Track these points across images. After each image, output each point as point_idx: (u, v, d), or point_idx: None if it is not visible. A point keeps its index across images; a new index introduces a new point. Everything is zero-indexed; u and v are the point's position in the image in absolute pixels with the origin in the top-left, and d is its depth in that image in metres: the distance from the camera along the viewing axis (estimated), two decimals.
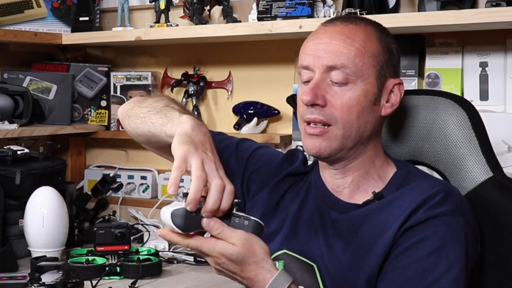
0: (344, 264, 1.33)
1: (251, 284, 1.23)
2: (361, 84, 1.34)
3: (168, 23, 2.50)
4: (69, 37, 2.68)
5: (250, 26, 2.29)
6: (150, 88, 2.68)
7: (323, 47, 1.35)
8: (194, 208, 1.18)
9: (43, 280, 1.72)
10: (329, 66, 1.33)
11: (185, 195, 1.19)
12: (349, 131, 1.34)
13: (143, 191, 2.74)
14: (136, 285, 1.96)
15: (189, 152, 1.21)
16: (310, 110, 1.34)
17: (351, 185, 1.40)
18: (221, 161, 1.25)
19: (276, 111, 2.48)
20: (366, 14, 2.08)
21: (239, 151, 1.55)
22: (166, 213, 1.20)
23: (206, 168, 1.20)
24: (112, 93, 2.73)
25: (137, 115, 1.44)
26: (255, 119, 2.48)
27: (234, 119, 2.52)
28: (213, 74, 2.63)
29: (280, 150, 2.35)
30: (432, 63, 2.18)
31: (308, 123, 1.35)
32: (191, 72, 2.62)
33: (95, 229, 2.14)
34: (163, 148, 1.45)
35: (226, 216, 1.21)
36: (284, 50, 2.44)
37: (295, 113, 2.36)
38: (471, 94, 2.12)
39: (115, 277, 2.02)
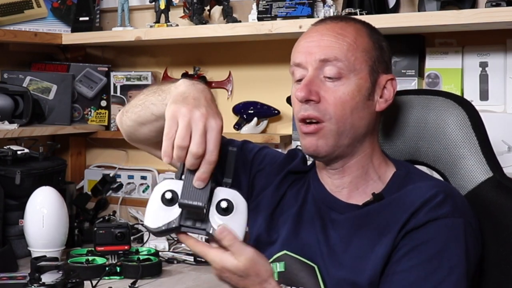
0: (345, 266, 1.33)
1: None
2: (354, 79, 1.34)
3: (168, 23, 2.50)
4: (69, 37, 2.68)
5: (250, 26, 2.29)
6: None
7: (314, 44, 1.35)
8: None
9: (43, 280, 1.72)
10: (322, 59, 1.33)
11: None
12: (343, 126, 1.33)
13: (143, 191, 2.74)
14: (136, 285, 1.96)
15: (178, 111, 1.18)
16: (304, 107, 1.34)
17: (350, 185, 1.39)
18: None
19: (276, 111, 2.48)
20: (366, 14, 2.08)
21: (243, 153, 1.54)
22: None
23: (193, 128, 1.17)
24: (112, 93, 2.73)
25: (136, 105, 1.41)
26: (255, 119, 2.48)
27: (234, 119, 2.52)
28: (213, 74, 2.63)
29: (280, 150, 2.36)
30: (432, 63, 2.18)
31: (303, 121, 1.35)
32: (191, 72, 2.62)
33: (95, 229, 2.14)
34: None
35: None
36: (284, 50, 2.41)
37: None
38: (471, 94, 2.12)
39: (115, 277, 2.02)
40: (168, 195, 1.19)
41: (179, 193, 1.19)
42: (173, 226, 1.19)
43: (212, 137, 1.18)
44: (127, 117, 1.44)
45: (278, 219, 1.45)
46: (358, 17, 1.89)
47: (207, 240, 1.22)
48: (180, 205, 1.18)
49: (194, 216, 1.19)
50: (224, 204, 1.20)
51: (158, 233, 1.20)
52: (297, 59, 1.37)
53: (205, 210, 1.18)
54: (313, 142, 1.34)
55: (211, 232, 1.19)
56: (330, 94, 1.33)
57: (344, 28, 1.36)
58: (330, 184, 1.41)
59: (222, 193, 1.21)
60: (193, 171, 1.18)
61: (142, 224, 2.48)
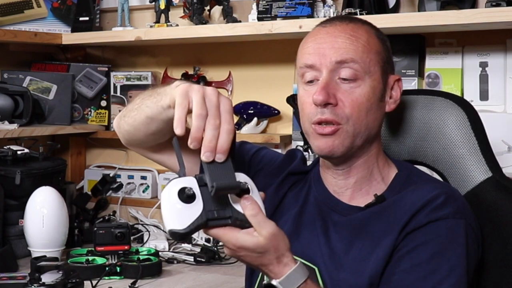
0: (346, 267, 1.33)
1: (267, 274, 1.22)
2: (368, 81, 1.33)
3: (168, 23, 2.50)
4: (69, 37, 2.68)
5: (250, 26, 2.29)
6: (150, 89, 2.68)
7: (328, 46, 1.34)
8: (197, 146, 1.14)
9: (43, 280, 1.72)
10: (338, 61, 1.32)
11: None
12: (359, 127, 1.33)
13: (143, 191, 2.74)
14: (136, 285, 1.96)
15: (189, 87, 1.18)
16: (321, 110, 1.32)
17: (354, 186, 1.39)
18: None
19: (276, 111, 2.48)
20: (366, 14, 2.08)
21: (240, 154, 1.54)
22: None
23: (207, 102, 1.16)
24: (112, 93, 2.73)
25: (132, 109, 1.41)
26: (255, 119, 2.48)
27: (234, 119, 2.51)
28: (213, 74, 2.63)
29: (280, 150, 2.36)
30: (432, 63, 2.18)
31: (319, 123, 1.34)
32: (191, 72, 2.63)
33: (95, 229, 2.14)
34: (164, 146, 1.43)
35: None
36: (284, 50, 2.44)
37: (295, 113, 2.37)
38: (471, 94, 2.13)
39: (115, 277, 2.02)
40: (189, 191, 1.15)
41: (194, 187, 1.15)
42: (201, 221, 1.14)
43: (226, 108, 1.17)
44: (124, 121, 1.44)
45: (278, 220, 1.44)
46: (358, 17, 1.89)
47: None
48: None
49: (216, 206, 1.16)
50: (244, 186, 1.18)
51: (187, 234, 1.15)
52: (309, 61, 1.35)
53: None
54: (329, 143, 1.33)
55: (238, 217, 1.16)
56: (346, 96, 1.32)
57: (356, 29, 1.36)
58: (334, 185, 1.41)
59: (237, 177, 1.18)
60: (209, 163, 1.15)
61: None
